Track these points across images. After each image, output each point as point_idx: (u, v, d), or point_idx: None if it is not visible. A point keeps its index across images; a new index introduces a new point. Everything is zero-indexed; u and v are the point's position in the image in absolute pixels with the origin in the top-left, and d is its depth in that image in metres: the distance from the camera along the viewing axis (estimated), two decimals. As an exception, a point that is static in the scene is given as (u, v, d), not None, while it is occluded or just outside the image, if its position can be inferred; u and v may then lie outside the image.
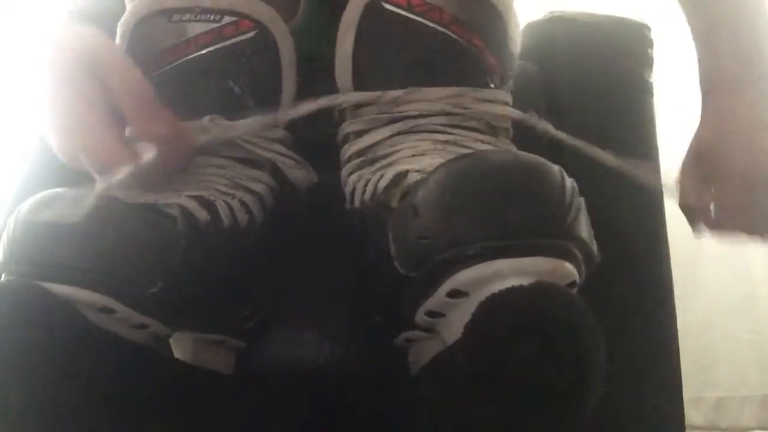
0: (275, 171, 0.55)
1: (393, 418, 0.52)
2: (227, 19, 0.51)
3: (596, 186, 0.69)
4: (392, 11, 0.50)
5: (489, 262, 0.35)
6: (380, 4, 0.50)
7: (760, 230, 0.47)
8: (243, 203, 0.51)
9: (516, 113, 0.50)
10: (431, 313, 0.40)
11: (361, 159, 0.50)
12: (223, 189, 0.50)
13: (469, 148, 0.47)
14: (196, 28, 0.51)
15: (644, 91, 0.78)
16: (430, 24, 0.49)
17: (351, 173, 0.51)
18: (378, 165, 0.49)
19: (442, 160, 0.40)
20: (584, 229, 0.37)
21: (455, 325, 0.37)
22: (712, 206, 0.54)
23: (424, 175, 0.40)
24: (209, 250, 0.47)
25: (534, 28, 0.79)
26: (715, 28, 0.60)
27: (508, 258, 0.35)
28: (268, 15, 0.53)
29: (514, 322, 0.33)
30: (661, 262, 0.72)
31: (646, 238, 0.72)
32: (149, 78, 0.53)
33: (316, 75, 0.54)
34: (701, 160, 0.58)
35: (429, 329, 0.43)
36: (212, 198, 0.49)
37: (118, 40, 0.54)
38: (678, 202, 0.52)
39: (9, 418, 0.36)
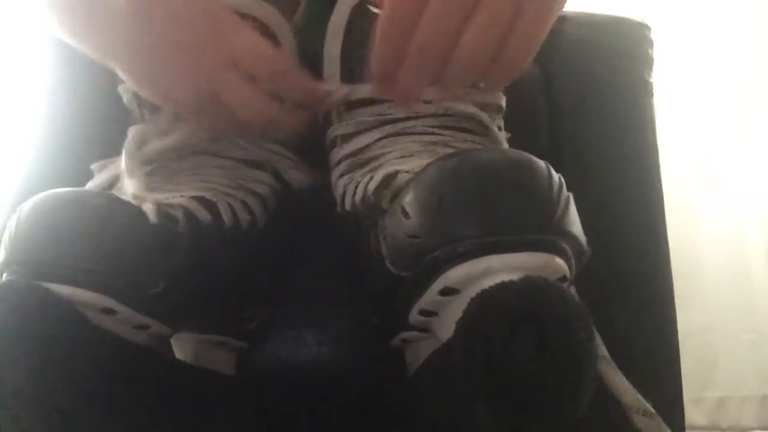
0: (277, 172, 0.55)
1: (392, 417, 0.52)
2: None
3: (596, 186, 0.69)
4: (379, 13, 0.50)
5: (479, 259, 0.35)
6: (367, 7, 0.50)
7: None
8: (245, 204, 0.51)
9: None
10: (425, 312, 0.40)
11: (351, 161, 0.51)
12: (225, 190, 0.51)
13: (458, 149, 0.47)
14: None
15: (644, 91, 0.78)
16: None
17: (341, 176, 0.52)
18: (368, 167, 0.49)
19: (431, 160, 0.40)
20: (573, 223, 0.37)
21: (449, 323, 0.37)
22: None
23: (414, 176, 0.40)
24: (211, 251, 0.47)
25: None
26: None
27: (499, 254, 0.35)
28: (270, 14, 0.53)
29: (505, 317, 0.33)
30: (661, 262, 0.72)
31: (646, 238, 0.72)
32: None
33: (318, 70, 0.55)
34: None
35: (424, 329, 0.43)
36: (214, 199, 0.49)
37: None
38: None
39: (9, 418, 0.37)
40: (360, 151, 0.51)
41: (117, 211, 0.41)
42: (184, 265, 0.43)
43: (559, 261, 0.36)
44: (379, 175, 0.46)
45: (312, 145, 0.56)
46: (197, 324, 0.52)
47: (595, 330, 0.35)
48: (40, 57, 0.71)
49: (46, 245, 0.39)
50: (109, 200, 0.42)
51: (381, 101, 0.51)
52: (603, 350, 0.46)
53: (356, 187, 0.48)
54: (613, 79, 0.77)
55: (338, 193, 0.52)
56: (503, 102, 0.54)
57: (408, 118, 0.50)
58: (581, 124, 0.76)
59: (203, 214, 0.47)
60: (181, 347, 0.54)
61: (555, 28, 0.80)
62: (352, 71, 0.53)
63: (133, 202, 0.44)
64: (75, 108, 0.68)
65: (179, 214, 0.45)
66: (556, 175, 0.37)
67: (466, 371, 0.34)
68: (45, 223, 0.39)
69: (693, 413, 1.17)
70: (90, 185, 0.50)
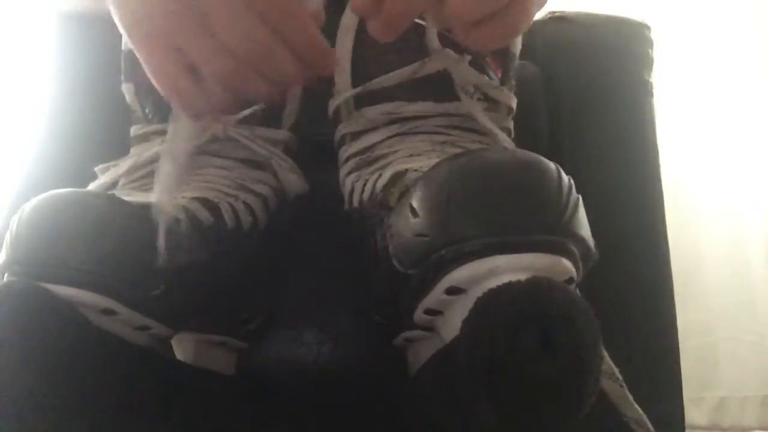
0: (276, 172, 0.55)
1: (393, 417, 0.52)
2: None
3: (596, 186, 0.69)
4: None
5: (486, 259, 0.35)
6: None
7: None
8: (246, 205, 0.51)
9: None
10: (430, 311, 0.40)
11: (359, 159, 0.51)
12: (227, 190, 0.51)
13: (467, 149, 0.47)
14: None
15: (644, 91, 0.78)
16: (429, 25, 0.49)
17: (349, 174, 0.52)
18: (376, 165, 0.49)
19: (440, 160, 0.40)
20: (582, 225, 0.37)
21: (453, 322, 0.37)
22: None
23: (422, 174, 0.40)
24: (212, 252, 0.47)
25: (534, 28, 0.79)
26: None
27: (506, 254, 0.35)
28: None
29: (511, 317, 0.33)
30: (661, 262, 0.72)
31: (646, 238, 0.72)
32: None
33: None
34: None
35: (428, 327, 0.43)
36: (216, 200, 0.49)
37: (124, 41, 0.54)
38: None
39: (10, 419, 0.36)
40: (368, 149, 0.51)
41: (118, 212, 0.41)
42: (185, 266, 0.43)
43: (566, 263, 0.36)
44: (387, 173, 0.46)
45: (315, 145, 0.56)
46: (197, 324, 0.52)
47: (600, 332, 0.35)
48: (41, 55, 0.70)
49: (47, 246, 0.39)
50: (110, 201, 0.42)
51: (390, 99, 0.51)
52: (607, 361, 0.46)
53: (364, 185, 0.48)
54: (613, 79, 0.78)
55: (346, 190, 0.52)
56: (514, 104, 0.54)
57: (417, 117, 0.50)
58: (581, 124, 0.76)
59: (205, 215, 0.47)
60: (181, 347, 0.54)
61: (555, 28, 0.80)
62: (362, 71, 0.53)
63: (135, 202, 0.44)
64: (76, 107, 0.68)
65: (181, 215, 0.45)
66: (565, 177, 0.37)
67: (470, 370, 0.34)
68: (46, 224, 0.39)
69: (693, 413, 1.17)
70: (92, 186, 0.50)
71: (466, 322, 0.35)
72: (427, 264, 0.37)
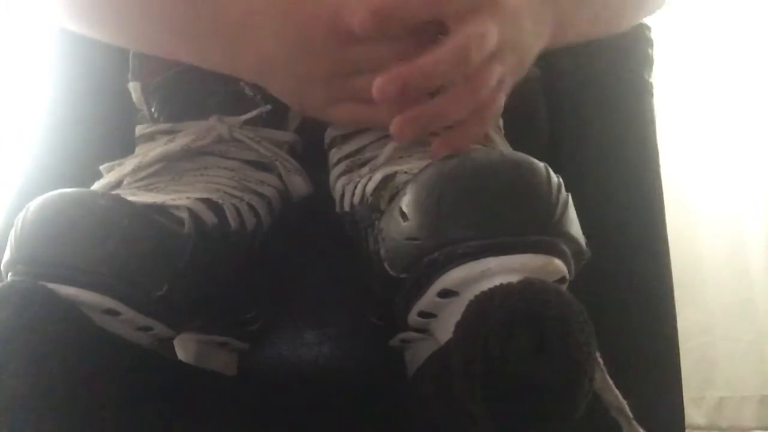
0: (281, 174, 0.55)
1: (392, 417, 0.52)
2: None
3: (596, 186, 0.69)
4: None
5: (478, 261, 0.35)
6: None
7: None
8: (251, 206, 0.51)
9: None
10: (423, 314, 0.40)
11: (350, 162, 0.51)
12: (232, 191, 0.51)
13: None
14: None
15: (644, 91, 0.78)
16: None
17: (340, 176, 0.52)
18: (366, 168, 0.49)
19: (430, 161, 0.40)
20: (572, 224, 0.37)
21: (448, 324, 0.37)
22: None
23: (412, 177, 0.40)
24: (216, 254, 0.47)
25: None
26: None
27: (497, 256, 0.35)
28: None
29: (503, 319, 0.33)
30: (661, 262, 0.72)
31: (646, 237, 0.72)
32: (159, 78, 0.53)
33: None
34: None
35: (423, 330, 0.43)
36: (220, 201, 0.49)
37: None
38: None
39: (12, 418, 0.37)
40: (358, 151, 0.50)
41: (122, 212, 0.41)
42: (188, 267, 0.43)
43: (558, 262, 0.36)
44: (377, 176, 0.46)
45: (317, 147, 0.56)
46: (200, 325, 0.52)
47: (593, 332, 0.35)
48: (44, 53, 0.70)
49: (51, 246, 0.39)
50: (114, 202, 0.42)
51: None
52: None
53: (355, 188, 0.48)
54: (613, 78, 0.77)
55: (337, 193, 0.52)
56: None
57: None
58: (581, 124, 0.76)
59: (209, 216, 0.47)
60: (183, 347, 0.54)
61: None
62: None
63: (139, 202, 0.44)
64: (77, 106, 0.68)
65: (185, 215, 0.45)
66: (555, 177, 0.37)
67: (465, 372, 0.34)
68: (51, 224, 0.39)
69: (692, 413, 1.17)
70: (96, 186, 0.50)
71: (460, 325, 0.35)
72: (419, 267, 0.37)
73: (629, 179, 0.74)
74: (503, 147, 0.50)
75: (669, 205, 0.75)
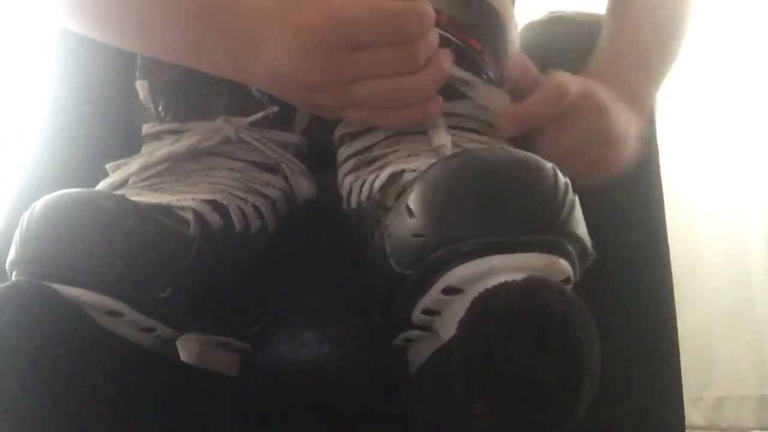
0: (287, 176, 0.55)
1: (392, 417, 0.52)
2: None
3: (596, 186, 0.69)
4: None
5: (483, 259, 0.35)
6: None
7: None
8: (256, 208, 0.51)
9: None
10: (427, 311, 0.40)
11: (358, 160, 0.51)
12: (237, 193, 0.51)
13: (465, 149, 0.47)
14: None
15: (644, 91, 0.78)
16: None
17: (347, 174, 0.52)
18: (374, 166, 0.49)
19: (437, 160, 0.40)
20: (578, 225, 0.37)
21: (451, 322, 0.37)
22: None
23: (419, 174, 0.40)
24: (220, 256, 0.47)
25: (534, 28, 0.79)
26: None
27: (502, 254, 0.35)
28: None
29: (507, 316, 0.33)
30: (661, 262, 0.72)
31: (646, 238, 0.72)
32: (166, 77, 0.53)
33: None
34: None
35: (426, 328, 0.43)
36: (225, 202, 0.49)
37: None
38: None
39: (14, 418, 0.37)
40: (367, 149, 0.51)
41: (128, 214, 0.41)
42: (192, 269, 0.43)
43: (563, 262, 0.36)
44: (385, 174, 0.46)
45: (320, 147, 0.56)
46: (203, 325, 0.52)
47: (596, 332, 0.35)
48: (45, 53, 0.70)
49: (56, 246, 0.39)
50: (120, 203, 0.42)
51: None
52: None
53: (362, 185, 0.48)
54: (614, 79, 0.77)
55: (344, 190, 0.52)
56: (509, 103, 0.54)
57: None
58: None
59: (214, 218, 0.47)
60: (186, 347, 0.54)
61: (555, 28, 0.80)
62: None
63: (144, 203, 0.44)
64: (81, 105, 0.68)
65: (190, 217, 0.45)
66: (562, 177, 0.37)
67: (466, 370, 0.34)
68: (56, 224, 0.39)
69: (691, 413, 1.17)
70: (102, 185, 0.50)
71: (463, 322, 0.35)
72: (423, 264, 0.37)
73: (629, 179, 0.74)
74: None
75: (669, 205, 0.75)
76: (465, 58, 0.51)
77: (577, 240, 0.37)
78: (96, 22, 0.52)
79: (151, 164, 0.50)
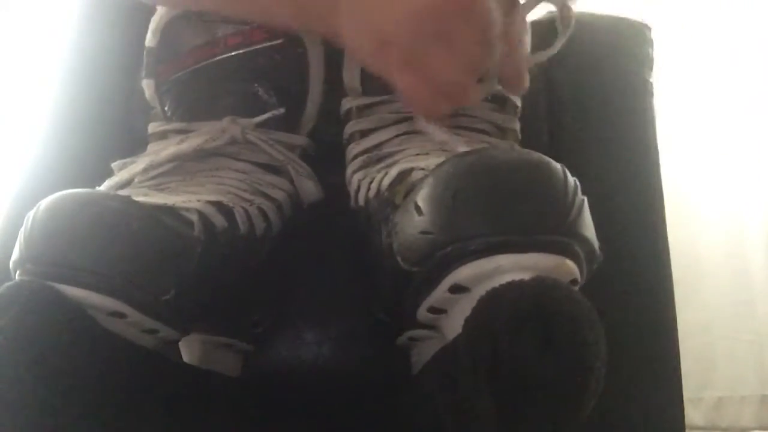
0: (292, 178, 0.55)
1: (393, 417, 0.52)
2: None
3: (596, 186, 0.69)
4: None
5: (490, 258, 0.35)
6: None
7: None
8: (261, 210, 0.51)
9: None
10: (434, 309, 0.40)
11: (367, 157, 0.51)
12: (243, 194, 0.51)
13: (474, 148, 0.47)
14: (228, 29, 0.52)
15: (644, 91, 0.78)
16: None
17: (356, 171, 0.52)
18: (383, 163, 0.49)
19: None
20: (587, 227, 0.37)
21: (457, 320, 0.37)
22: None
23: (428, 172, 0.40)
24: (224, 258, 0.47)
25: (534, 28, 0.79)
26: None
27: (510, 254, 0.35)
28: None
29: (514, 315, 0.33)
30: (661, 262, 0.72)
31: (646, 238, 0.72)
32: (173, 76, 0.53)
33: (340, 77, 0.55)
34: None
35: (431, 326, 0.43)
36: (230, 204, 0.49)
37: (149, 35, 0.54)
38: None
39: (16, 418, 0.37)
40: (376, 147, 0.51)
41: (132, 214, 0.41)
42: (196, 271, 0.43)
43: (571, 264, 0.36)
44: (393, 171, 0.46)
45: (324, 147, 0.56)
46: (206, 326, 0.52)
47: (603, 332, 0.35)
48: (45, 53, 0.70)
49: (60, 246, 0.39)
50: (124, 203, 0.42)
51: (400, 99, 0.51)
52: None
53: (371, 183, 0.48)
54: (613, 78, 0.77)
55: (353, 188, 0.52)
56: (519, 102, 0.54)
57: None
58: (581, 124, 0.76)
59: (219, 220, 0.47)
60: (188, 348, 0.54)
61: (555, 28, 0.80)
62: (371, 78, 0.53)
63: (149, 204, 0.44)
64: (82, 106, 0.68)
65: (194, 218, 0.45)
66: (571, 178, 0.37)
67: (472, 368, 0.35)
68: (60, 224, 0.39)
69: (691, 414, 1.17)
70: (108, 183, 0.50)
71: (469, 321, 0.35)
72: (431, 262, 0.37)
73: (629, 179, 0.74)
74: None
75: (669, 205, 0.75)
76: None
77: (585, 242, 0.37)
78: None
79: (157, 164, 0.50)
